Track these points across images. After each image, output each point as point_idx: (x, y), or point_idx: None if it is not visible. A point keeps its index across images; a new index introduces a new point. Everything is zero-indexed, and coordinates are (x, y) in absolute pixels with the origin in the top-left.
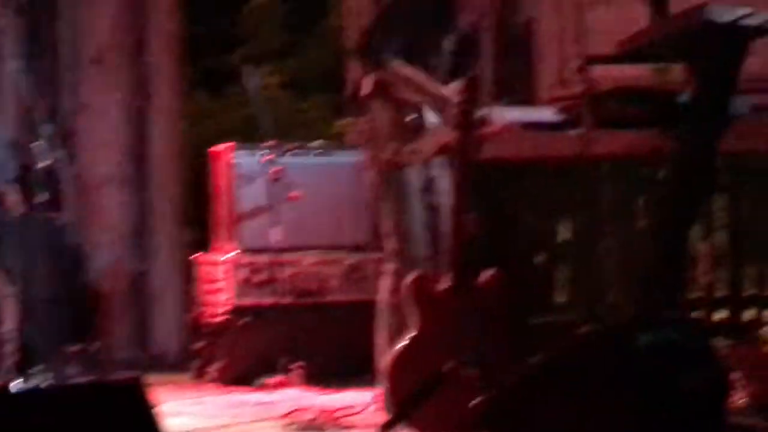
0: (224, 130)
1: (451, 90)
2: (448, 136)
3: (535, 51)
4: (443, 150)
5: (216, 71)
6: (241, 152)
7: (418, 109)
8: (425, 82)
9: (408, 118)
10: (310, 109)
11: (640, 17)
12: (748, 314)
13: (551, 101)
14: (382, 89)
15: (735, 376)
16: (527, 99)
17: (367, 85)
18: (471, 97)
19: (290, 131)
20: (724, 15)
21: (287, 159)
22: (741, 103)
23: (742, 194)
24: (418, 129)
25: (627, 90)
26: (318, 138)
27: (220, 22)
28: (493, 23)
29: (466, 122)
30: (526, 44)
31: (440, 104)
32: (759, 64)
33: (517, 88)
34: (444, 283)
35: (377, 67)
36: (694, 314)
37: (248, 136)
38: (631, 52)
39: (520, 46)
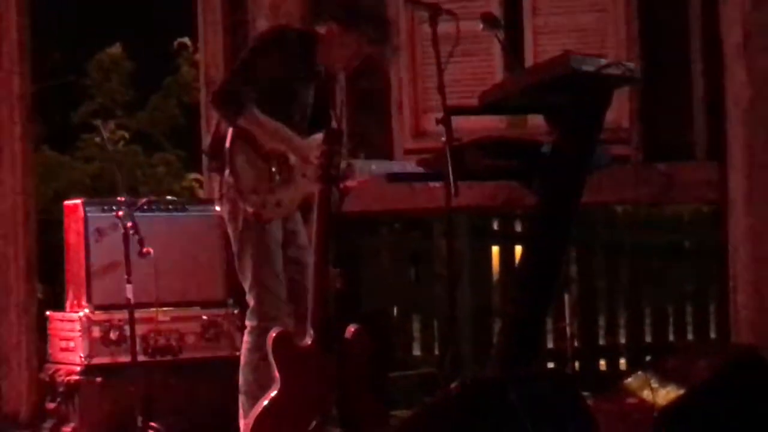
0: (75, 184)
1: (312, 142)
2: (310, 188)
3: (392, 104)
4: (305, 203)
5: (64, 126)
6: (93, 207)
7: (279, 161)
8: (286, 133)
9: (270, 170)
10: (160, 163)
11: (497, 69)
12: (603, 364)
13: (408, 153)
14: (243, 140)
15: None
16: (385, 152)
17: (226, 138)
18: (332, 150)
19: (140, 185)
20: (587, 64)
21: (139, 214)
22: (600, 154)
23: (596, 246)
24: (279, 181)
25: (487, 141)
26: (168, 192)
27: (66, 77)
28: (349, 74)
29: (328, 175)
30: (382, 96)
31: (302, 156)
32: (615, 114)
33: (374, 141)
34: (306, 340)
35: (237, 117)
36: (553, 365)
37: (99, 190)
38: (489, 104)
39: (376, 98)
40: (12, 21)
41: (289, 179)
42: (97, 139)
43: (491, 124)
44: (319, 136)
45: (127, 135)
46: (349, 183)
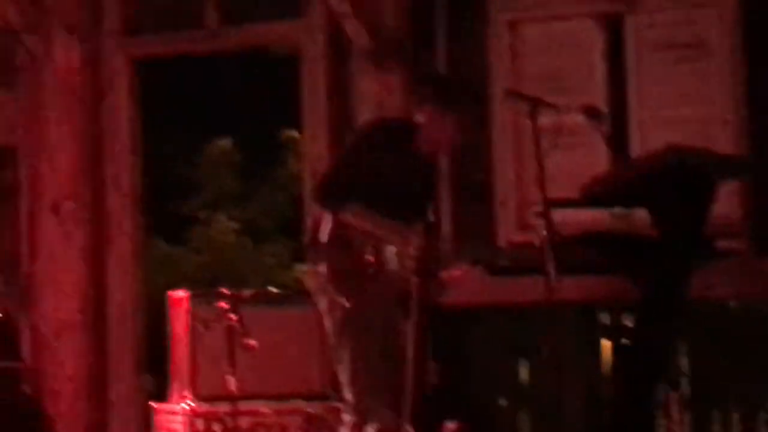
0: (185, 275)
1: (411, 234)
2: (408, 281)
3: (496, 195)
4: (403, 295)
5: (174, 217)
6: (198, 299)
7: (377, 253)
8: (384, 226)
9: (367, 261)
10: (267, 254)
11: (601, 161)
12: None
13: (512, 246)
14: (340, 234)
15: None
16: (488, 243)
17: (325, 231)
18: (430, 242)
19: (250, 276)
20: (693, 157)
21: (244, 306)
22: (705, 248)
23: (708, 341)
24: (376, 274)
25: (589, 235)
26: (277, 284)
27: (178, 168)
28: (448, 156)
29: (426, 268)
30: (486, 187)
31: (400, 248)
32: (724, 207)
33: (479, 232)
34: None
35: (337, 211)
36: None
37: (209, 281)
38: (591, 197)
39: (481, 189)
40: (123, 112)
41: (385, 272)
42: (208, 231)
43: (593, 217)
44: (417, 229)
45: (236, 226)
46: (451, 276)
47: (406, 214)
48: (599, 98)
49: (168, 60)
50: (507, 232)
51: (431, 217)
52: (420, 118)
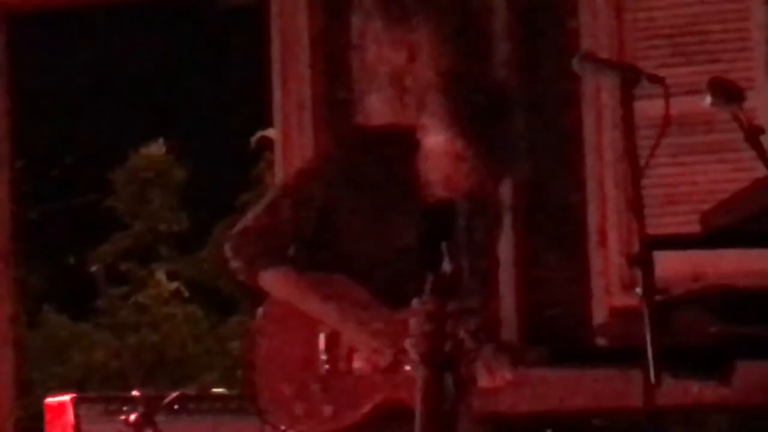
0: (91, 369)
1: (402, 313)
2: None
3: (589, 235)
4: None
5: (78, 275)
6: (89, 407)
7: (329, 344)
8: (330, 302)
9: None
10: (234, 334)
11: (744, 172)
12: None
13: (616, 314)
14: (277, 312)
15: None
16: (576, 312)
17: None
18: (443, 312)
19: (199, 371)
20: None
21: (165, 418)
22: None
23: None
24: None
25: (713, 293)
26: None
27: (81, 192)
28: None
29: (438, 354)
30: (568, 221)
31: (376, 333)
32: None
33: (556, 295)
34: None
35: (256, 274)
36: None
37: (125, 379)
38: (718, 231)
39: (558, 223)
40: None
41: (349, 376)
42: (135, 297)
43: (731, 261)
44: (422, 299)
45: (182, 288)
46: (486, 382)
47: (399, 275)
48: (740, 68)
49: (56, 15)
50: (607, 293)
51: (447, 267)
52: (432, 136)
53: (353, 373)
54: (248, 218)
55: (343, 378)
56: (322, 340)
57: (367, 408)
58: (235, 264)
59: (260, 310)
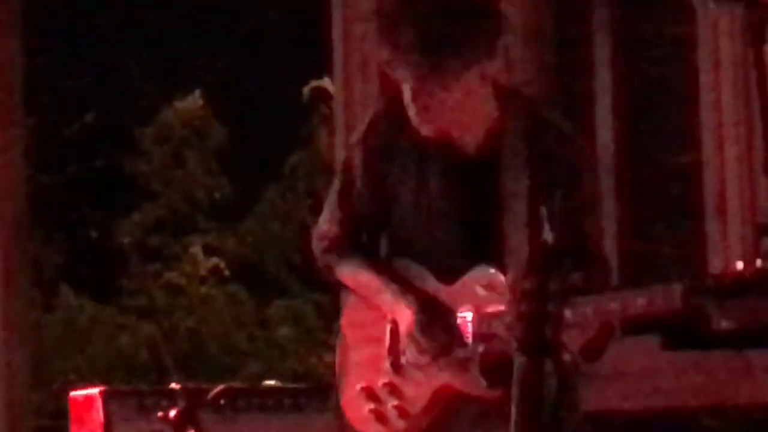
0: (122, 359)
1: (471, 281)
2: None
3: (707, 198)
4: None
5: (102, 251)
6: (122, 402)
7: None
8: (390, 289)
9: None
10: (280, 318)
11: None
12: None
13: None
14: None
15: None
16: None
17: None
18: (536, 283)
19: (246, 362)
20: None
21: (208, 414)
22: None
23: None
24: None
25: None
26: (287, 371)
27: (103, 156)
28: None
29: (530, 336)
30: (687, 184)
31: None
32: None
33: (667, 269)
34: None
35: (333, 271)
36: None
37: (160, 369)
38: None
39: (678, 186)
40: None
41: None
42: (167, 275)
43: None
44: (487, 272)
45: (222, 265)
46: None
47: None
48: None
49: None
50: (726, 268)
51: (549, 237)
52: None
53: (407, 365)
54: (320, 220)
55: (402, 373)
56: (387, 336)
57: (425, 399)
58: (318, 265)
59: (343, 310)
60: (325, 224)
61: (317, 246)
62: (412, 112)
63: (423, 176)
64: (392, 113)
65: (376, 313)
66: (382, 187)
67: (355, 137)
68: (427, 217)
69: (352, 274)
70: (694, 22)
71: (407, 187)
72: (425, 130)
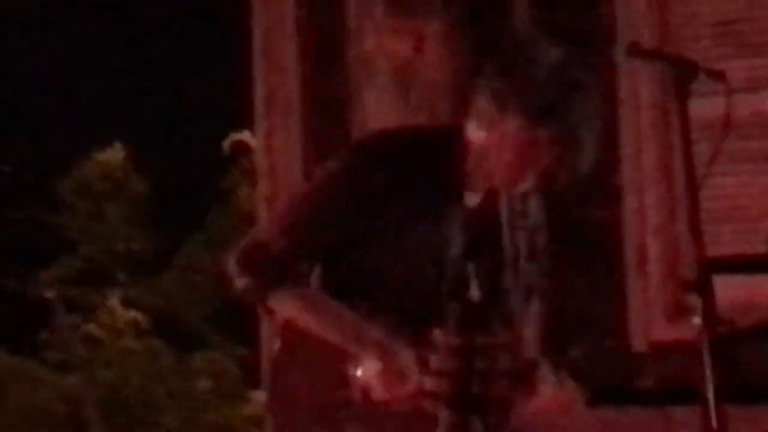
0: (35, 414)
1: (413, 342)
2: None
3: (625, 252)
4: None
5: (19, 303)
6: None
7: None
8: (349, 325)
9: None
10: (201, 371)
11: None
12: None
13: (658, 348)
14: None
15: None
16: (614, 344)
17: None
18: (472, 341)
19: (163, 414)
20: None
21: None
22: None
23: None
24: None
25: None
26: (221, 429)
27: (20, 206)
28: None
29: (466, 393)
30: (607, 236)
31: (391, 360)
32: None
33: (592, 324)
34: None
35: (264, 294)
36: None
37: (77, 424)
38: None
39: (597, 238)
40: None
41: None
42: (86, 328)
43: None
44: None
45: (139, 318)
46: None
47: (429, 298)
48: None
49: None
50: (648, 323)
51: (476, 295)
52: (477, 132)
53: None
54: (261, 229)
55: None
56: (353, 372)
57: None
58: (242, 282)
59: (277, 340)
60: (269, 234)
61: (246, 258)
62: (506, 166)
63: (442, 218)
64: (437, 147)
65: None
66: (371, 213)
67: (368, 152)
68: (415, 259)
69: (312, 300)
70: (615, 77)
71: (412, 224)
72: (506, 186)
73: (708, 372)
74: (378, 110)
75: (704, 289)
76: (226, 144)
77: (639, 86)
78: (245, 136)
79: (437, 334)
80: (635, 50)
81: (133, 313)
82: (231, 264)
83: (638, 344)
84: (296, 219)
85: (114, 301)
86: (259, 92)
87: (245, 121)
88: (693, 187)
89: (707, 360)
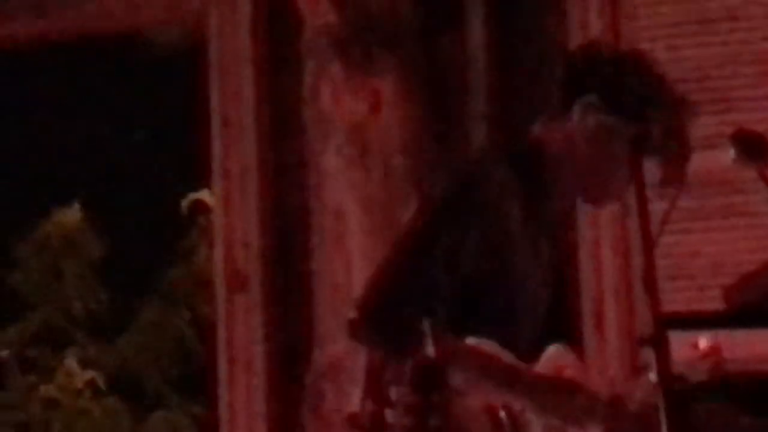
0: None
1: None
2: None
3: (585, 314)
4: None
5: None
6: None
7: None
8: (515, 370)
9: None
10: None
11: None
12: None
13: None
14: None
15: None
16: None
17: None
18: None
19: None
20: None
21: None
22: None
23: None
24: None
25: (740, 381)
26: None
27: None
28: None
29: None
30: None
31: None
32: None
33: None
34: None
35: (408, 352)
36: None
37: None
38: (745, 307)
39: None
40: None
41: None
42: (43, 388)
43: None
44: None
45: (97, 380)
46: None
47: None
48: None
49: None
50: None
51: (431, 351)
52: (556, 135)
53: None
54: (373, 293)
55: None
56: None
57: None
58: (379, 347)
59: None
60: (385, 295)
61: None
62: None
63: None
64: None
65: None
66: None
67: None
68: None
69: (456, 347)
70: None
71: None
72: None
73: (664, 428)
74: (335, 169)
75: (660, 344)
76: (185, 203)
77: None
78: (204, 195)
79: (394, 391)
80: (593, 107)
81: (90, 373)
82: (352, 333)
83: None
84: (404, 265)
85: (71, 362)
86: (216, 152)
87: (204, 181)
88: (649, 244)
89: (663, 416)
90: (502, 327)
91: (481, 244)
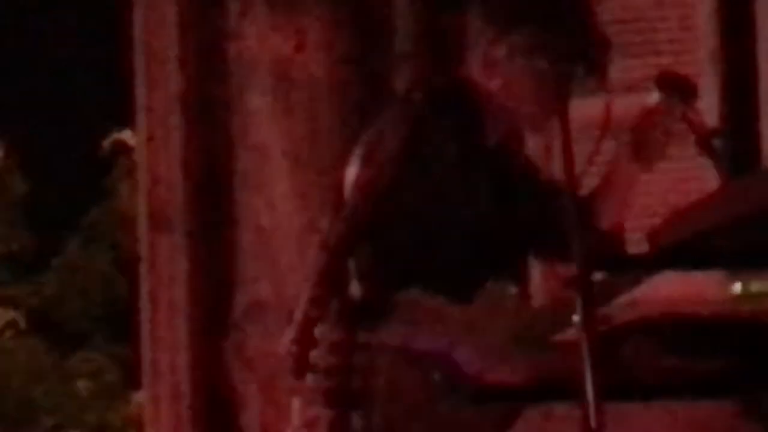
0: None
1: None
2: None
3: None
4: None
5: None
6: None
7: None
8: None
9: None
10: (81, 372)
11: (700, 182)
12: None
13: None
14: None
15: None
16: None
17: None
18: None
19: (43, 415)
20: None
21: None
22: None
23: None
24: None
25: (665, 322)
26: (89, 426)
27: None
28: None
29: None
30: None
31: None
32: None
33: None
34: None
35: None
36: None
37: None
38: (668, 251)
39: None
40: None
41: None
42: None
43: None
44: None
45: (18, 320)
46: None
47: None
48: (702, 64)
49: None
50: None
51: (356, 290)
52: (493, 79)
53: None
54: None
55: None
56: None
57: None
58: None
59: None
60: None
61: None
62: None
63: (471, 186)
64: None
65: None
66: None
67: (388, 142)
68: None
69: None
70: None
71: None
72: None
73: (588, 369)
74: (259, 109)
75: (585, 286)
76: (106, 143)
77: None
78: (125, 135)
79: (319, 330)
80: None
81: (12, 313)
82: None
83: None
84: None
85: None
86: (139, 91)
87: (126, 120)
88: (572, 185)
89: (586, 357)
90: (433, 259)
91: (418, 181)
